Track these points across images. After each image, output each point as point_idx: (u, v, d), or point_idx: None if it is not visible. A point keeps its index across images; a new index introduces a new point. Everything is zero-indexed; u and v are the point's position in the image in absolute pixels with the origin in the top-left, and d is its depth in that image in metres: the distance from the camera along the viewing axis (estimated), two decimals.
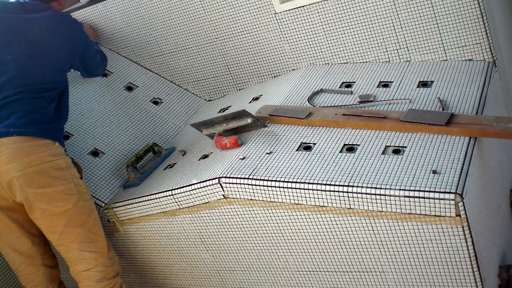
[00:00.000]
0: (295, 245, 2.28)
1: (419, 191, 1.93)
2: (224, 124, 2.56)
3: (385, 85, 2.61)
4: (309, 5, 2.85)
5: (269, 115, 2.58)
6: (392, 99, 2.46)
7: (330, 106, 2.55)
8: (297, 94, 2.73)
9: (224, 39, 3.18)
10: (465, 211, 1.88)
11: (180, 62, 3.38)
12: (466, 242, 1.92)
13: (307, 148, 2.33)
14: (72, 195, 2.39)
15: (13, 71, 2.44)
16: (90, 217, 2.46)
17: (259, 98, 2.92)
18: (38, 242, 2.56)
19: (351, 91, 2.62)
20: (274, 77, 3.17)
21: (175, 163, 2.73)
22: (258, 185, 2.21)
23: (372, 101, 2.49)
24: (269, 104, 2.70)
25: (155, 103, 3.29)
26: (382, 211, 2.01)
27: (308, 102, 2.62)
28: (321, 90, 2.71)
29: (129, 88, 3.31)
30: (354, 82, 2.71)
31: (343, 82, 2.74)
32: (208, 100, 3.43)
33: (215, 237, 2.46)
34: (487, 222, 2.14)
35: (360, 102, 2.51)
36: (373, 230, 2.07)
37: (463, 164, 1.99)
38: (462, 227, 1.90)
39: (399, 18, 2.68)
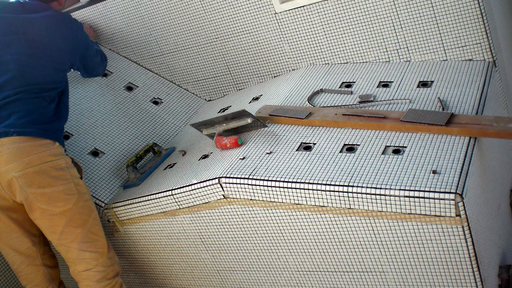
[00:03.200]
0: (295, 245, 2.28)
1: (419, 191, 1.93)
2: (224, 124, 2.56)
3: (385, 85, 2.61)
4: (309, 5, 2.85)
5: (269, 115, 2.58)
6: (392, 99, 2.46)
7: (330, 106, 2.55)
8: (297, 94, 2.73)
9: (224, 39, 3.18)
10: (465, 211, 1.88)
11: (180, 62, 3.38)
12: (466, 242, 1.92)
13: (307, 148, 2.33)
14: (72, 195, 2.39)
15: (13, 71, 2.44)
16: (90, 217, 2.46)
17: (259, 98, 2.92)
18: (38, 242, 2.56)
19: (351, 91, 2.62)
20: (274, 77, 3.17)
21: (175, 163, 2.73)
22: (258, 185, 2.21)
23: (372, 101, 2.49)
24: (269, 104, 2.70)
25: (155, 103, 3.29)
26: (382, 211, 2.01)
27: (308, 102, 2.62)
28: (321, 90, 2.71)
29: (129, 88, 3.31)
30: (354, 82, 2.71)
31: (343, 82, 2.74)
32: (208, 100, 3.43)
33: (215, 237, 2.46)
34: (487, 222, 2.14)
35: (360, 102, 2.51)
36: (373, 230, 2.07)
37: (463, 164, 1.99)
38: (462, 227, 1.90)
39: (399, 18, 2.68)
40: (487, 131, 2.09)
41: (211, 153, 2.58)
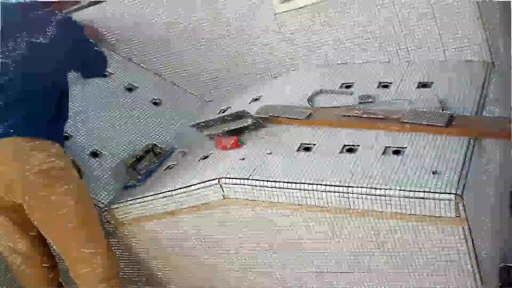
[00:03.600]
0: (295, 245, 2.28)
1: (419, 191, 1.93)
2: (224, 125, 2.56)
3: (385, 85, 2.61)
4: (309, 5, 2.85)
5: (269, 115, 2.58)
6: (392, 100, 2.46)
7: (330, 107, 2.55)
8: (297, 94, 2.73)
9: (224, 39, 3.18)
10: (465, 212, 1.88)
11: (180, 62, 3.38)
12: (466, 242, 1.92)
13: (307, 148, 2.33)
14: (72, 196, 2.39)
15: (14, 72, 2.44)
16: (90, 218, 2.46)
17: (259, 99, 2.92)
18: (38, 242, 2.56)
19: (351, 92, 2.62)
20: (274, 77, 3.16)
21: (175, 164, 2.73)
22: (258, 185, 2.21)
23: (372, 101, 2.49)
24: (269, 104, 2.70)
25: (155, 103, 3.28)
26: (382, 211, 2.01)
27: (308, 102, 2.62)
28: (321, 90, 2.71)
29: (129, 89, 3.30)
30: (354, 82, 2.71)
31: (343, 83, 2.73)
32: (208, 100, 3.43)
33: (215, 237, 2.46)
34: (487, 223, 2.14)
35: (360, 103, 2.51)
36: (373, 230, 2.07)
37: (463, 165, 1.99)
38: (462, 227, 1.90)
39: (399, 18, 2.68)
40: (487, 131, 2.09)
41: (211, 153, 2.58)
